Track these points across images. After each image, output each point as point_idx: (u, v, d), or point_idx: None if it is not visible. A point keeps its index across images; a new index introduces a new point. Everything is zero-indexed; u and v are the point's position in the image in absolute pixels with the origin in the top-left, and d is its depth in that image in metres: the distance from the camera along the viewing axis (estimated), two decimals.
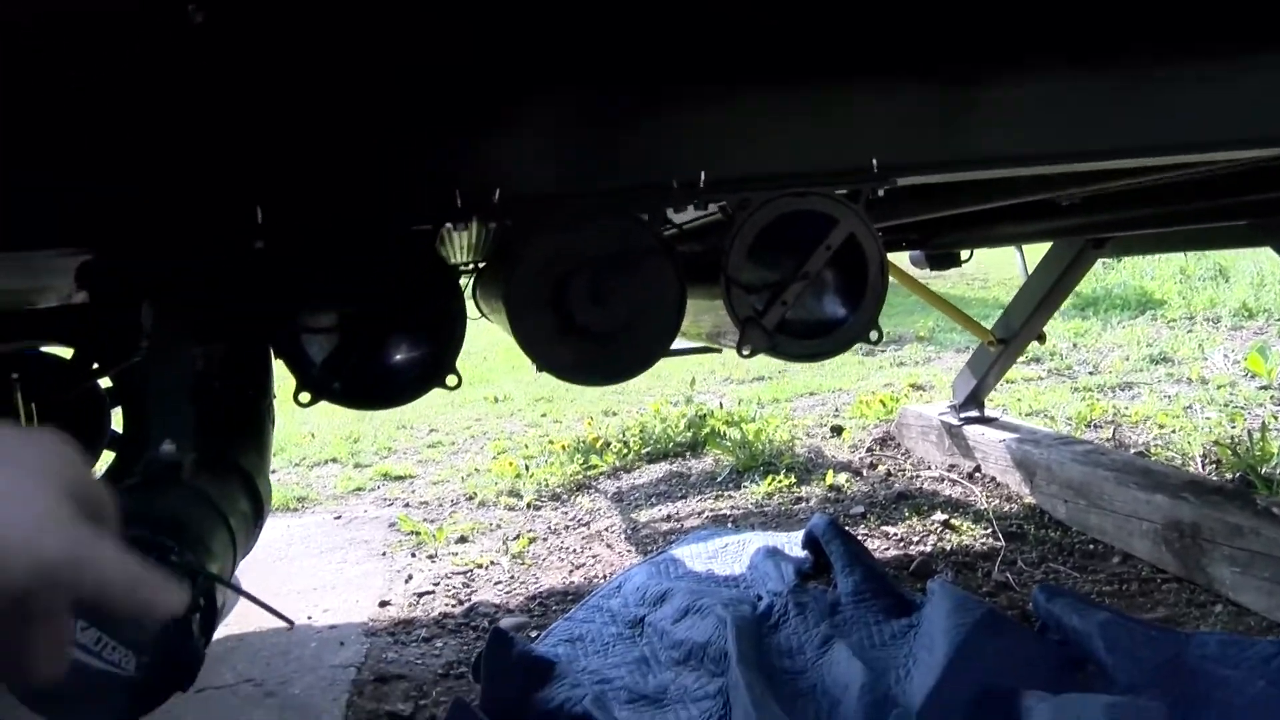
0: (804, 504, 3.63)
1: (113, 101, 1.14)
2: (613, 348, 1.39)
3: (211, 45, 1.12)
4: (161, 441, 1.23)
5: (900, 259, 3.75)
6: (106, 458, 3.56)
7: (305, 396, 1.36)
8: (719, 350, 5.05)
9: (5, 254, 1.24)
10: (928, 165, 1.35)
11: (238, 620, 2.85)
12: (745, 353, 1.39)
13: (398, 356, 1.40)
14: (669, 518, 3.63)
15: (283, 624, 1.28)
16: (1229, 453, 3.29)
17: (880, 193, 1.35)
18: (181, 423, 1.25)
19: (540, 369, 1.44)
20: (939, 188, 2.27)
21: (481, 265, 2.69)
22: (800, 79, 1.30)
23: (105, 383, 3.52)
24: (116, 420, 3.57)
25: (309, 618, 2.86)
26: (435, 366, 1.42)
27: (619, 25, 1.23)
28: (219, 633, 2.78)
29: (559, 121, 1.27)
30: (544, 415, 6.06)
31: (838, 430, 4.70)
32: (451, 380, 1.43)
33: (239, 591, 1.20)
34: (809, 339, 1.42)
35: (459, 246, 2.59)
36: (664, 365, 7.26)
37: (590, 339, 1.37)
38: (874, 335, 1.43)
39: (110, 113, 1.14)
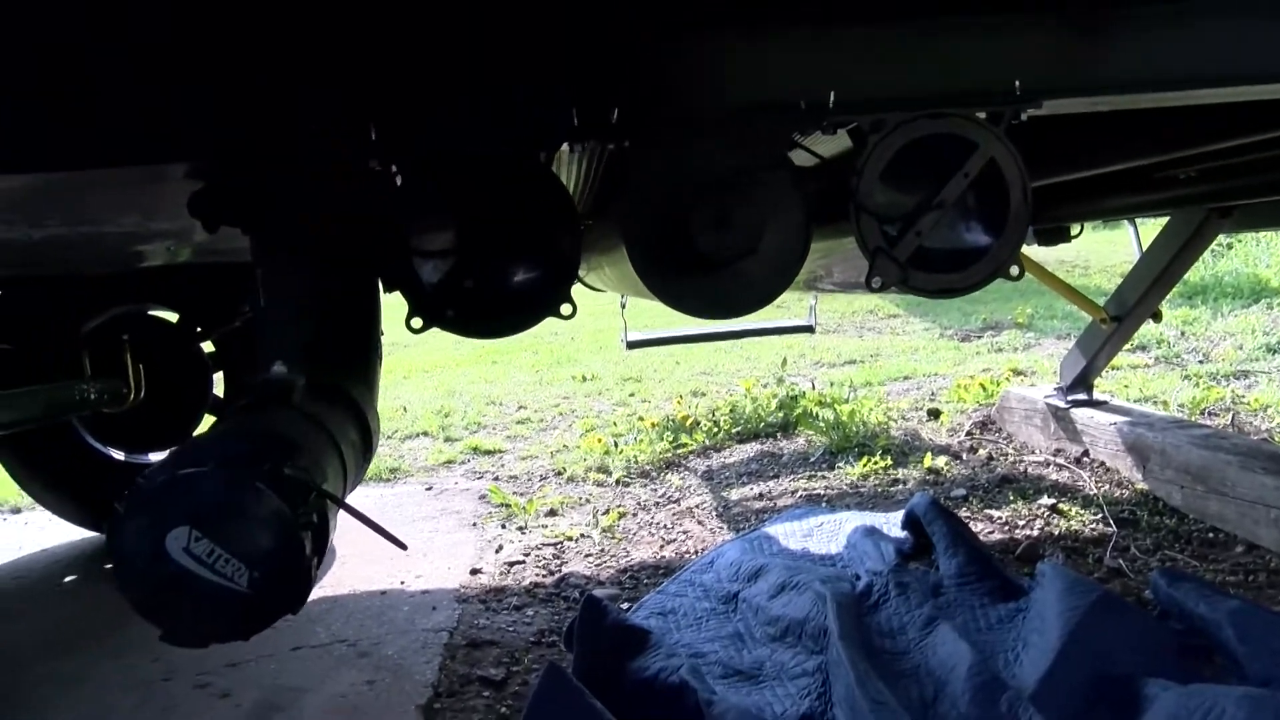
0: (901, 486, 3.52)
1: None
2: (738, 277, 1.32)
3: None
4: (272, 364, 1.21)
5: None
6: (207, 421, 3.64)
7: (417, 322, 1.33)
8: (812, 330, 4.97)
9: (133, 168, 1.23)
10: (1072, 88, 1.26)
11: (331, 582, 2.88)
12: (875, 286, 1.31)
13: (513, 281, 1.35)
14: (761, 496, 3.56)
15: (398, 548, 1.25)
16: None
17: (1024, 117, 1.26)
18: (293, 346, 1.23)
19: (661, 299, 1.37)
20: (1055, 148, 2.16)
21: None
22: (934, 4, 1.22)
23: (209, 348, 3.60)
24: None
25: (402, 582, 2.86)
26: (550, 293, 1.36)
27: None
28: (314, 594, 2.81)
29: (677, 37, 1.21)
30: (632, 395, 6.02)
31: (935, 414, 4.57)
32: (566, 309, 1.38)
33: (353, 512, 1.17)
34: (944, 272, 1.33)
35: None
36: (753, 347, 7.20)
37: (713, 267, 1.29)
38: (1014, 270, 1.34)
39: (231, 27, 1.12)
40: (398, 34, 1.17)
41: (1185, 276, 8.27)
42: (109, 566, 3.25)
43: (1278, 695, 1.70)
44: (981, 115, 1.27)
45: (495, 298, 1.35)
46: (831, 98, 1.22)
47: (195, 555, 1.00)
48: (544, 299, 1.37)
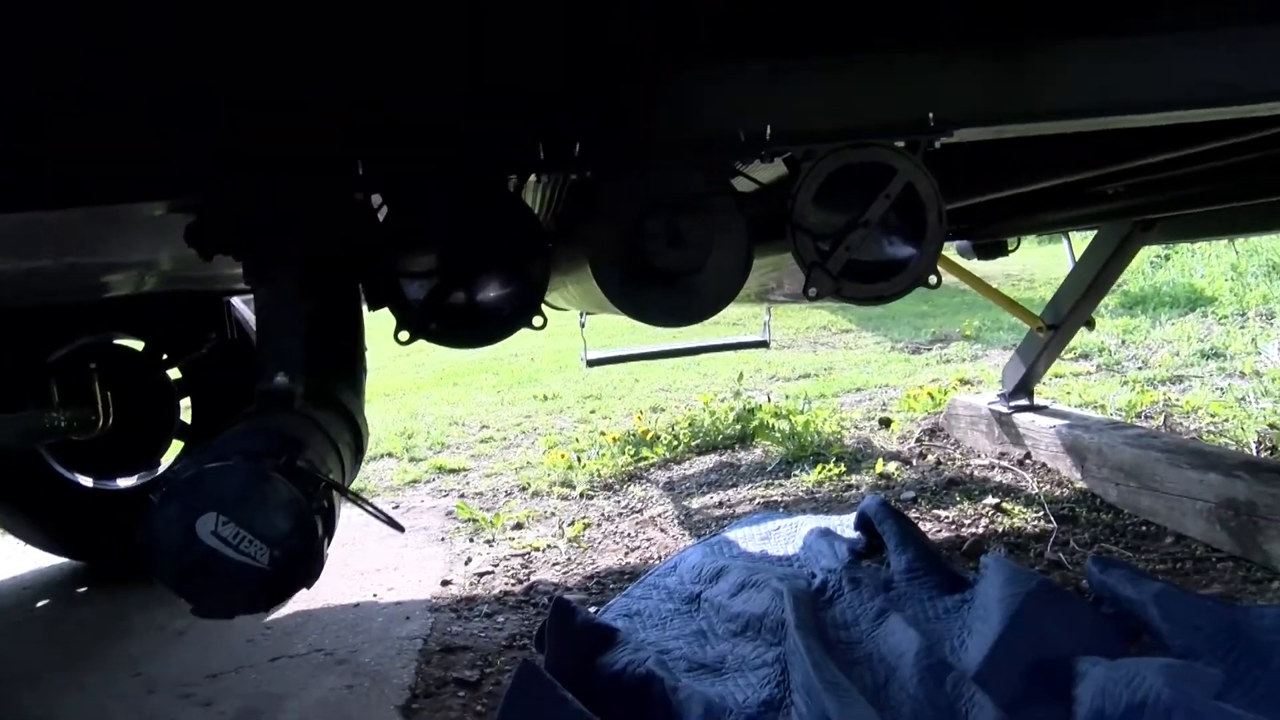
0: (854, 491, 3.67)
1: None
2: (691, 289, 1.46)
3: None
4: (275, 375, 1.32)
5: (947, 250, 3.79)
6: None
7: (404, 335, 1.47)
8: (766, 345, 5.11)
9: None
10: (981, 118, 1.42)
11: (305, 596, 2.94)
12: (811, 295, 1.46)
13: (490, 297, 1.49)
14: (720, 504, 3.69)
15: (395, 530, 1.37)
16: None
17: (937, 145, 1.41)
18: (291, 358, 1.34)
19: (621, 310, 1.52)
20: (987, 168, 2.32)
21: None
22: (860, 45, 1.37)
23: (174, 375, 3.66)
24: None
25: (374, 595, 2.95)
26: (524, 307, 1.51)
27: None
28: (289, 607, 2.89)
29: (634, 82, 1.36)
30: (593, 412, 6.14)
31: (886, 422, 4.73)
32: (538, 321, 1.52)
33: (355, 499, 1.30)
34: (872, 282, 1.49)
35: None
36: (711, 363, 7.32)
37: (669, 281, 1.44)
38: (933, 279, 1.49)
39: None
40: (381, 82, 1.30)
41: (1125, 287, 8.59)
42: (81, 590, 3.29)
43: (1194, 665, 1.86)
44: (900, 144, 1.44)
45: (475, 312, 1.49)
46: (768, 130, 1.38)
47: (222, 537, 1.12)
48: (519, 312, 1.51)
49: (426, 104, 1.32)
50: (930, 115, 1.39)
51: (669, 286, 1.46)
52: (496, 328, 1.51)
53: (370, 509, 1.27)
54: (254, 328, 3.69)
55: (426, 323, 1.47)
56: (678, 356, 5.46)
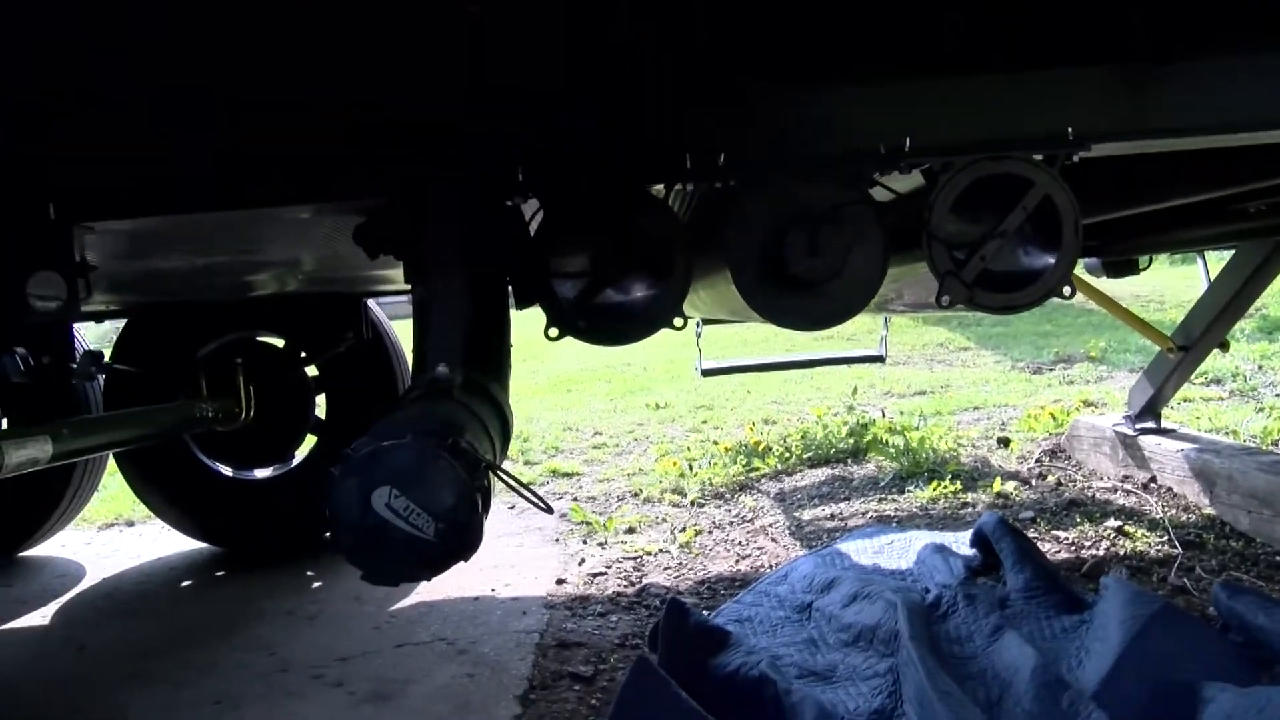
0: (970, 509, 3.62)
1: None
2: (825, 294, 1.52)
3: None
4: (437, 365, 1.42)
5: (1075, 268, 3.71)
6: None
7: (554, 332, 1.57)
8: (882, 360, 5.08)
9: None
10: (1120, 133, 1.43)
11: (427, 589, 3.08)
12: (944, 303, 1.49)
13: (636, 297, 1.57)
14: (832, 516, 3.69)
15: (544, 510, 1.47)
16: None
17: (1076, 158, 1.43)
18: (451, 350, 1.44)
19: (758, 313, 1.58)
20: (1123, 182, 2.29)
21: None
22: (1000, 61, 1.41)
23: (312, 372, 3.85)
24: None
25: (493, 590, 3.06)
26: (666, 307, 1.59)
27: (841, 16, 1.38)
28: (412, 598, 3.01)
29: (780, 97, 1.42)
30: (704, 421, 6.18)
31: (1005, 441, 4.65)
32: (678, 321, 1.60)
33: (510, 480, 1.39)
34: (1006, 291, 1.51)
35: None
36: (824, 377, 7.30)
37: (805, 286, 1.50)
38: (1066, 290, 1.51)
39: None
40: (544, 90, 1.41)
41: (1264, 311, 8.20)
42: (220, 574, 3.50)
43: None
44: (1038, 157, 1.46)
45: (620, 311, 1.58)
46: (908, 143, 1.42)
47: (394, 509, 1.22)
48: (661, 312, 1.59)
49: (581, 120, 1.42)
50: (1069, 130, 1.41)
51: (806, 292, 1.52)
52: (640, 326, 1.60)
53: (522, 490, 1.36)
54: (387, 329, 3.87)
55: (575, 320, 1.57)
56: (792, 369, 5.46)
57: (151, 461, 3.73)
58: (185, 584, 3.53)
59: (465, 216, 1.47)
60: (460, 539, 1.26)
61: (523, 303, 1.61)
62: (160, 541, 4.06)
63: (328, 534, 1.33)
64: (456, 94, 1.42)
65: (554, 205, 1.55)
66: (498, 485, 1.45)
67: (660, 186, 1.64)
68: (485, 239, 1.53)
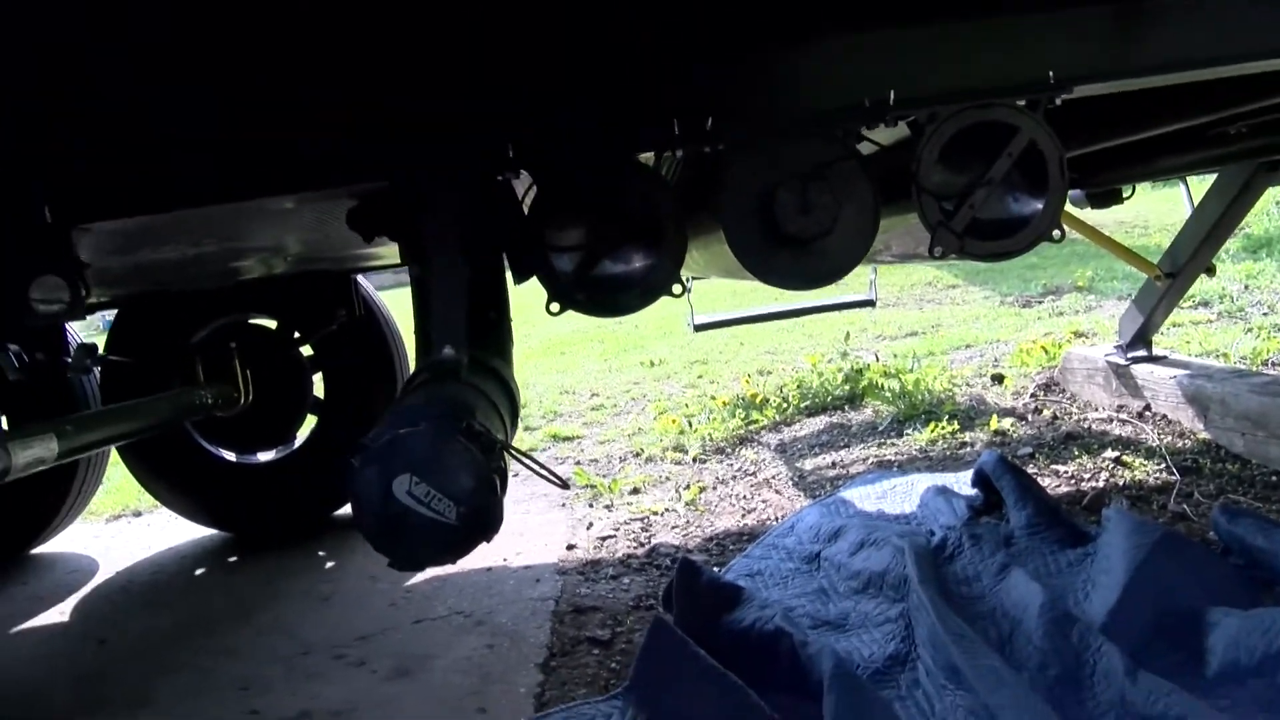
0: (969, 449, 3.66)
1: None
2: (819, 252, 1.53)
3: None
4: (443, 346, 1.44)
5: None
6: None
7: (555, 306, 1.59)
8: (873, 304, 5.10)
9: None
10: (1101, 74, 1.44)
11: None
12: (936, 254, 1.51)
13: (634, 267, 1.59)
14: (833, 465, 3.73)
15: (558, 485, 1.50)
16: None
17: (1058, 102, 1.44)
18: (456, 331, 1.45)
19: (754, 274, 1.60)
20: (1103, 114, 2.29)
21: None
22: (978, 6, 1.41)
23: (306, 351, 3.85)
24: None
25: (504, 559, 3.09)
26: (663, 276, 1.60)
27: None
28: (426, 572, 3.05)
29: (759, 55, 1.43)
30: (700, 377, 6.21)
31: (999, 378, 4.69)
32: (677, 288, 1.62)
33: (525, 458, 1.42)
34: (996, 239, 1.53)
35: None
36: (816, 325, 7.31)
37: (798, 245, 1.52)
38: (1056, 233, 1.53)
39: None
40: (531, 74, 1.41)
41: (1248, 230, 8.23)
42: (232, 560, 3.52)
43: None
44: (1021, 102, 1.47)
45: (619, 281, 1.59)
46: (892, 96, 1.43)
47: (415, 496, 1.24)
48: (659, 280, 1.60)
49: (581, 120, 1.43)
50: (1050, 73, 1.42)
51: (800, 251, 1.53)
52: (639, 295, 1.61)
53: (537, 467, 1.39)
54: (378, 304, 3.87)
55: (574, 294, 1.59)
56: (784, 319, 5.47)
57: (154, 451, 3.75)
58: (199, 571, 3.56)
59: (461, 197, 1.48)
60: (481, 521, 1.29)
61: (520, 277, 1.61)
62: (169, 530, 4.08)
63: (351, 518, 1.35)
64: (457, 94, 1.42)
65: (546, 180, 1.55)
66: (519, 445, 1.47)
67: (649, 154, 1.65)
68: (481, 217, 1.53)
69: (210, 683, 2.47)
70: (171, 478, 3.84)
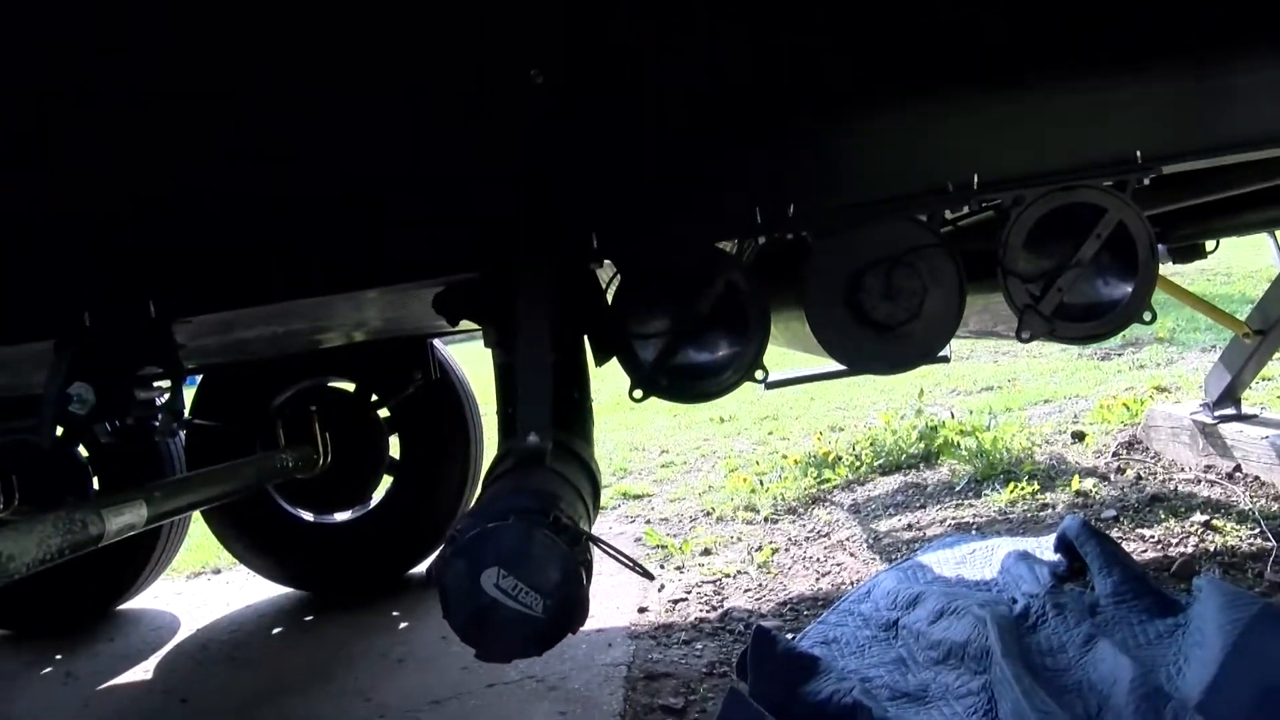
0: (1050, 510, 3.57)
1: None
2: (904, 337, 1.52)
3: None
4: (528, 433, 1.45)
5: None
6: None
7: (638, 394, 1.59)
8: (947, 360, 5.02)
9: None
10: (1189, 152, 1.41)
11: None
12: (1025, 338, 1.48)
13: (717, 356, 1.59)
14: (909, 526, 3.66)
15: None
16: None
17: (1146, 181, 1.42)
18: (541, 418, 1.47)
19: (837, 360, 1.59)
20: (1188, 174, 2.25)
21: None
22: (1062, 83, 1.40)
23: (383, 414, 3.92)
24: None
25: None
26: (745, 364, 1.61)
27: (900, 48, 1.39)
28: None
29: (846, 141, 1.44)
30: (770, 433, 6.17)
31: (1080, 436, 4.57)
32: (759, 374, 1.61)
33: (610, 550, 1.42)
34: (1085, 321, 1.51)
35: None
36: (888, 380, 7.20)
37: (881, 330, 1.51)
38: (1147, 315, 1.50)
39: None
40: (612, 174, 1.45)
41: None
42: (308, 619, 3.57)
43: None
44: (1107, 183, 1.45)
45: (702, 370, 1.60)
46: (975, 179, 1.42)
47: (503, 589, 1.25)
48: (742, 368, 1.61)
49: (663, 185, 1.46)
50: (1138, 153, 1.41)
51: (885, 336, 1.53)
52: (721, 382, 1.62)
53: (622, 558, 1.39)
54: (454, 366, 3.93)
55: (658, 380, 1.60)
56: (855, 374, 5.42)
57: (235, 510, 3.83)
58: (276, 630, 3.61)
59: (550, 287, 1.51)
60: (568, 613, 1.29)
61: (602, 360, 1.63)
62: (248, 588, 4.16)
63: (431, 589, 1.37)
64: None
65: (629, 268, 1.57)
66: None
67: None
68: (567, 306, 1.56)
69: None
70: (250, 537, 3.92)
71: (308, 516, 3.98)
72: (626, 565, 1.41)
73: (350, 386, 3.89)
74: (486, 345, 1.67)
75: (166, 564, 4.18)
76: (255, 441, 3.66)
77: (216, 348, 2.91)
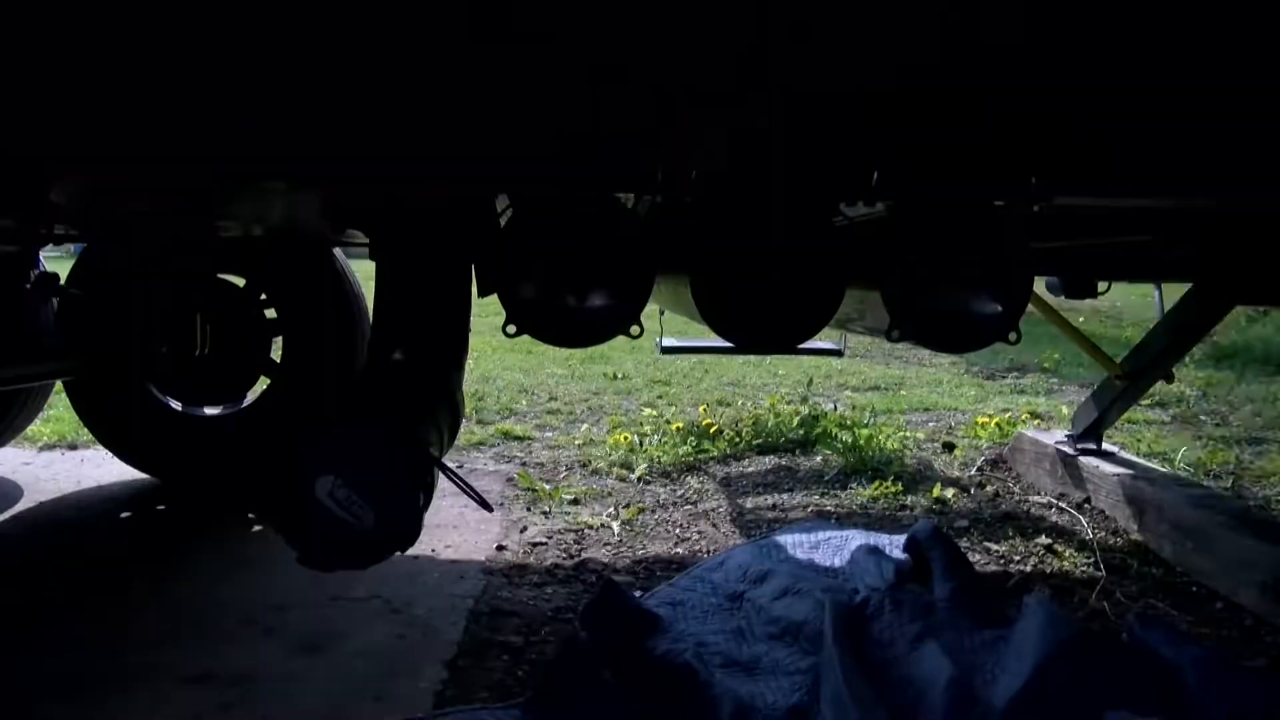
0: (908, 512, 3.69)
1: None
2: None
3: None
4: (392, 351, 1.43)
5: (1037, 284, 3.77)
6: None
7: (511, 329, 1.58)
8: (841, 354, 5.13)
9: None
10: (1080, 189, 1.47)
11: None
12: (894, 337, 1.53)
13: (596, 305, 1.59)
14: (774, 507, 3.75)
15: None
16: None
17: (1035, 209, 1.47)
18: (411, 337, 1.45)
19: (716, 332, 1.61)
20: (1082, 215, 2.34)
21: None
22: None
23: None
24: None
25: (433, 551, 3.08)
26: (623, 318, 1.61)
27: None
28: None
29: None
30: (660, 397, 6.23)
31: (950, 446, 4.73)
32: (635, 330, 1.62)
33: (453, 476, 1.41)
34: (951, 335, 1.56)
35: None
36: (782, 365, 7.33)
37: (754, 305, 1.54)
38: (1013, 336, 1.56)
39: None
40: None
41: (1216, 339, 8.36)
42: (160, 508, 3.48)
43: None
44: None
45: (580, 317, 1.60)
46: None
47: (336, 498, 1.24)
48: (619, 322, 1.61)
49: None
50: (1033, 178, 1.45)
51: (749, 309, 1.55)
52: (596, 333, 1.62)
53: (464, 487, 1.38)
54: (352, 279, 3.85)
55: (532, 319, 1.58)
56: (752, 354, 5.50)
57: (99, 386, 3.71)
58: (124, 515, 3.51)
59: (438, 210, 1.48)
60: (398, 531, 1.29)
61: (484, 292, 1.62)
62: (102, 468, 4.03)
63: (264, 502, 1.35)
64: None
65: (524, 205, 1.56)
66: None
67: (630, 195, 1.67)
68: (455, 229, 1.53)
69: (114, 631, 2.44)
70: (110, 417, 3.79)
71: (176, 405, 3.87)
72: (467, 493, 1.41)
73: (240, 282, 3.77)
74: (370, 256, 1.63)
75: (20, 430, 4.03)
76: (131, 320, 3.54)
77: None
